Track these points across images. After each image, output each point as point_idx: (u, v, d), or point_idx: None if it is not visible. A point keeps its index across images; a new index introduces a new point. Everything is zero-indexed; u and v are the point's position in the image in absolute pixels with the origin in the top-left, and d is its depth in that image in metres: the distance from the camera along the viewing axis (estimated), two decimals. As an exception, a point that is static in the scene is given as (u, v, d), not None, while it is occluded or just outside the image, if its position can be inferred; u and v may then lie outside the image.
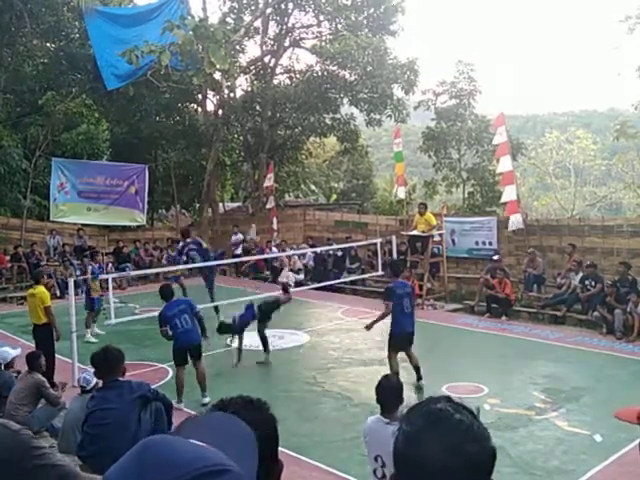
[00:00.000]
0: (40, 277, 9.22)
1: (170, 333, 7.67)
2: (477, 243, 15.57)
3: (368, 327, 8.52)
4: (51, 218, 18.57)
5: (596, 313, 11.42)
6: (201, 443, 0.89)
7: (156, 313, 12.51)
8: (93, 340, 10.99)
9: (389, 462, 4.02)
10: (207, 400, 7.68)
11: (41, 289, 8.73)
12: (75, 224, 18.93)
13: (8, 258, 16.88)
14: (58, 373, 8.30)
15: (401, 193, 17.94)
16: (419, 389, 8.02)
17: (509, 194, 14.40)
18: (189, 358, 7.81)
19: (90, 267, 12.14)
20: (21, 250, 16.97)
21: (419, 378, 8.17)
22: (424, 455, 1.07)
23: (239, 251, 19.05)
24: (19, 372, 6.85)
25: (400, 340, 8.02)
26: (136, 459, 0.85)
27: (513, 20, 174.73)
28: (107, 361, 4.56)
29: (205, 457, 0.84)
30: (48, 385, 6.39)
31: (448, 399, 1.16)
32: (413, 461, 1.09)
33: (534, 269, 13.50)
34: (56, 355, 8.60)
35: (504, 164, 14.57)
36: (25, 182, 18.33)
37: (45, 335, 8.52)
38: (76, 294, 10.18)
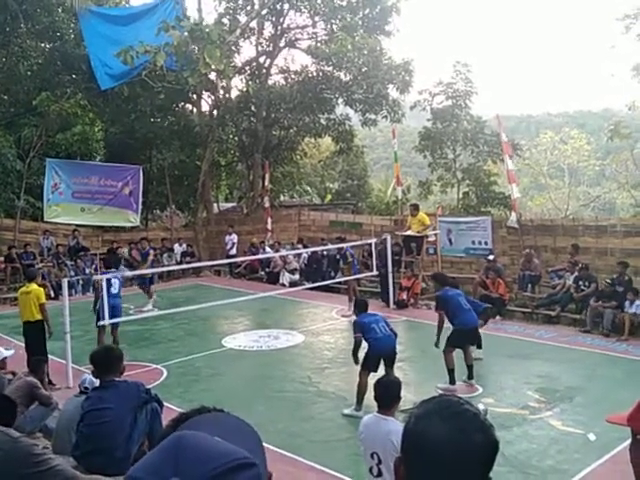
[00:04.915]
0: (35, 276, 9.26)
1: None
2: (474, 242, 15.63)
3: None
4: (45, 218, 18.49)
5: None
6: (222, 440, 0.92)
7: (150, 314, 12.61)
8: (153, 308, 13.43)
9: (385, 459, 4.03)
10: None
11: (35, 286, 8.84)
12: (69, 224, 18.86)
13: (2, 259, 16.79)
14: (53, 374, 8.26)
15: (399, 193, 18.09)
16: None
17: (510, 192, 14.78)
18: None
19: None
20: (14, 251, 16.89)
21: None
22: (431, 432, 1.13)
23: (234, 251, 19.04)
24: (14, 374, 6.80)
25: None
26: (171, 452, 0.88)
27: (507, 20, 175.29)
28: (108, 359, 4.56)
29: (235, 451, 0.89)
30: (40, 386, 6.38)
31: (458, 397, 1.26)
32: (420, 439, 1.15)
33: (530, 270, 13.53)
34: (50, 356, 8.57)
35: (506, 163, 14.88)
36: (19, 183, 18.23)
37: (37, 332, 8.62)
38: (70, 294, 10.16)
